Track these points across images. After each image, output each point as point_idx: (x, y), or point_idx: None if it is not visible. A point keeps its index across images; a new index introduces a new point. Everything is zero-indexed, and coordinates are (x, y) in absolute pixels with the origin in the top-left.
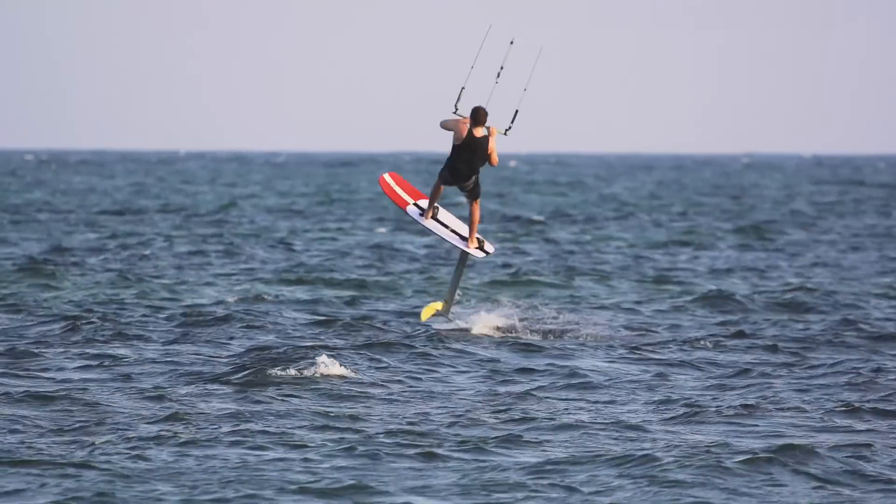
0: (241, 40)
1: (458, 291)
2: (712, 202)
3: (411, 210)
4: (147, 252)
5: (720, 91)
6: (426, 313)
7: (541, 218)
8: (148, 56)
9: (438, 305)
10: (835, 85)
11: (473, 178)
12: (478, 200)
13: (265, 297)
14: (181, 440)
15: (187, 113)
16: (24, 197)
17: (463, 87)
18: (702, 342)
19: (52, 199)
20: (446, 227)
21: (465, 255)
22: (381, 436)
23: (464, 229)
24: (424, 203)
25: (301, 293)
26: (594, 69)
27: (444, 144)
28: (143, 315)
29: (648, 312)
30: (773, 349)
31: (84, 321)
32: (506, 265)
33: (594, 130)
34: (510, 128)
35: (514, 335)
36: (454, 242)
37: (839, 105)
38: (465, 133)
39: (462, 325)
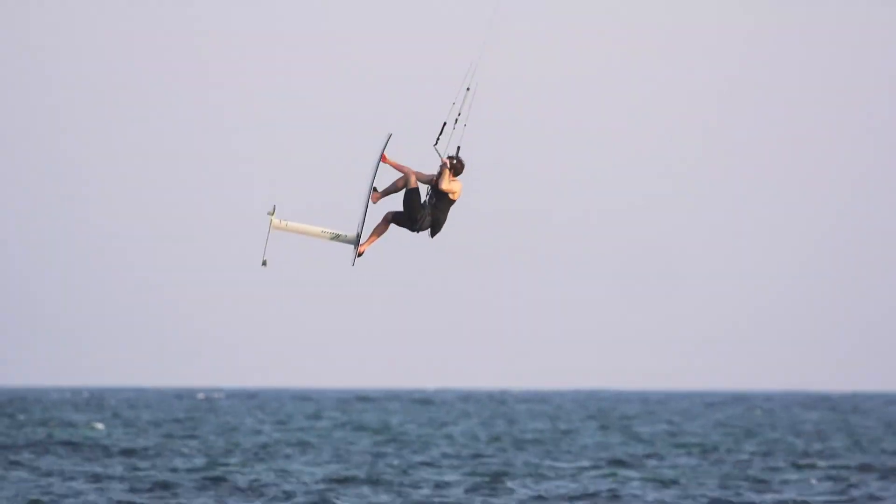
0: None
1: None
2: (766, 438)
3: (375, 176)
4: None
5: (734, 328)
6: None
7: (606, 455)
8: (182, 294)
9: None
10: (860, 322)
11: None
12: (391, 226)
13: None
14: None
15: (221, 350)
16: (83, 433)
17: (445, 123)
18: None
19: (116, 433)
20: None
21: (344, 240)
22: None
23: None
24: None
25: None
26: (621, 312)
27: None
28: None
29: None
30: None
31: None
32: None
33: (618, 367)
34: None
35: None
36: (361, 236)
37: (881, 341)
38: (460, 190)
39: None
